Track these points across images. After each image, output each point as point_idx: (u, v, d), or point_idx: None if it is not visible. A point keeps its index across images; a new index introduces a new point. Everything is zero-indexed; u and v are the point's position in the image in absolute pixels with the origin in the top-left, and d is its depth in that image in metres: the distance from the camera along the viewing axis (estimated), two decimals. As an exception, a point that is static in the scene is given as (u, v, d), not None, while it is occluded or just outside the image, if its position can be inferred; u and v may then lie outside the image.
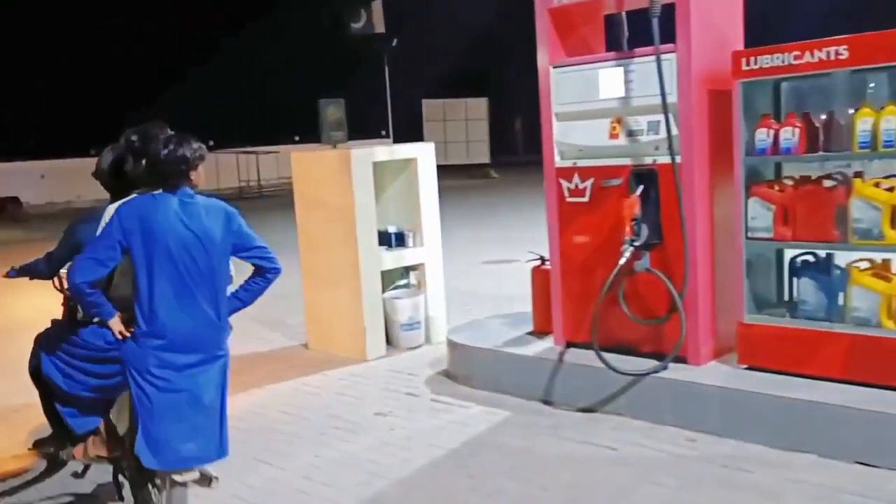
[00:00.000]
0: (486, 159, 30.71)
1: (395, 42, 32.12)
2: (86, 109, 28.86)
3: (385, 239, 6.16)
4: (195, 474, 3.22)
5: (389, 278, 6.28)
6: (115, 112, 29.06)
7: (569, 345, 4.91)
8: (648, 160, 4.44)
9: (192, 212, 3.22)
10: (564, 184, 4.80)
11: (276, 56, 32.48)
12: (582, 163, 4.72)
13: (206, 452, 3.22)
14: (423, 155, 6.26)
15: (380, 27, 32.42)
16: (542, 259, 5.34)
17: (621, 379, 4.40)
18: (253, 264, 3.45)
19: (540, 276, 5.30)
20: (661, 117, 4.35)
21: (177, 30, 31.37)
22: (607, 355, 4.45)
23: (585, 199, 4.72)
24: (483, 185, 23.83)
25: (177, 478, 3.20)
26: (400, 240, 6.26)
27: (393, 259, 6.16)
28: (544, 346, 5.00)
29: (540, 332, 5.28)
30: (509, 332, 5.41)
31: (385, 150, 6.11)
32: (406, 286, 6.36)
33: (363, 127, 31.27)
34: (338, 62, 32.12)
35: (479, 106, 37.44)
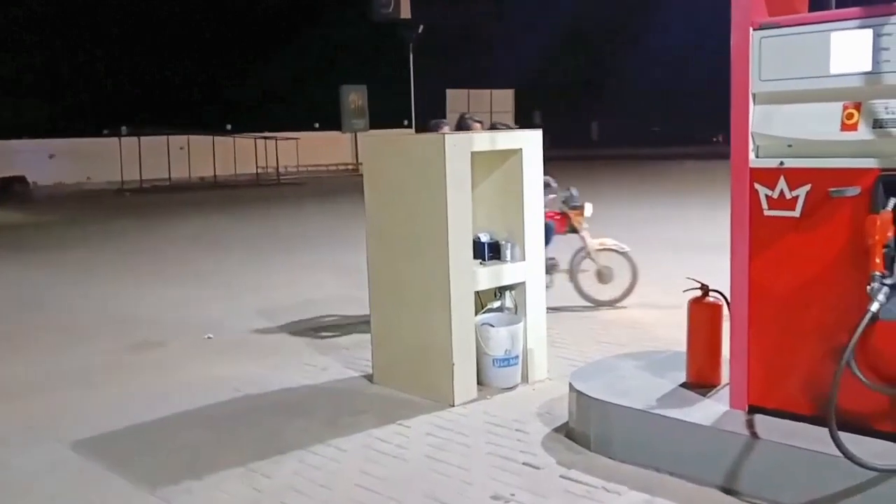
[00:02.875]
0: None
1: (420, 28, 30.92)
2: (101, 90, 27.68)
3: (476, 250, 4.85)
4: None
5: (478, 300, 4.98)
6: (129, 93, 27.98)
7: (753, 410, 3.60)
8: (910, 163, 3.12)
9: None
10: (763, 191, 3.48)
11: (298, 40, 31.21)
12: (793, 163, 3.40)
13: None
14: (530, 145, 4.94)
15: (406, 13, 31.17)
16: (705, 289, 4.03)
17: (856, 472, 3.09)
18: None
19: (703, 313, 4.00)
20: (931, 102, 3.05)
21: (189, 14, 30.05)
22: (816, 429, 3.18)
23: (796, 214, 3.41)
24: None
25: None
26: (494, 251, 4.95)
27: (489, 276, 4.84)
28: (717, 410, 3.68)
29: (697, 383, 3.99)
30: (654, 381, 4.11)
31: (485, 138, 4.79)
32: (500, 310, 5.05)
33: (384, 115, 30.11)
34: (362, 48, 30.85)
35: (505, 97, 36.18)
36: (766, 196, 3.48)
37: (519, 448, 4.02)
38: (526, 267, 4.97)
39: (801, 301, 3.43)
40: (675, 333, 6.01)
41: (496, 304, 5.04)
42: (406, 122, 29.96)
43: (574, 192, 6.94)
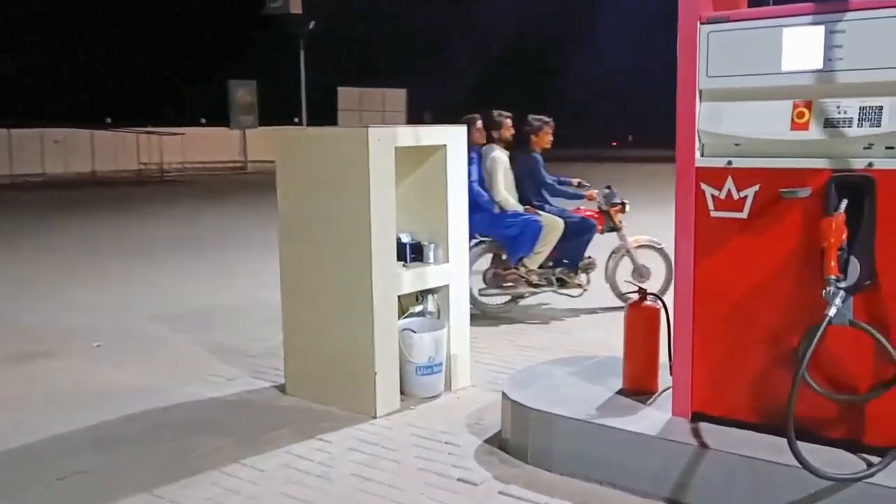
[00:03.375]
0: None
1: (312, 24, 30.24)
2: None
3: (398, 251, 4.57)
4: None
5: (399, 304, 4.71)
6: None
7: (696, 417, 3.48)
8: (859, 164, 3.05)
9: None
10: (710, 191, 3.36)
11: (186, 32, 30.03)
12: (742, 163, 3.29)
13: None
14: (455, 142, 4.71)
15: (296, 8, 30.41)
16: (643, 292, 3.89)
17: (808, 481, 2.99)
18: None
19: (641, 318, 3.86)
20: (882, 101, 2.98)
21: (69, 3, 28.50)
22: (763, 437, 3.11)
23: (743, 215, 3.30)
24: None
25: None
26: (416, 253, 4.69)
27: (413, 279, 4.58)
28: (660, 419, 3.54)
29: (635, 390, 3.85)
30: (590, 388, 3.95)
31: (409, 133, 4.51)
32: (422, 315, 4.79)
33: (274, 112, 29.30)
34: (252, 43, 29.96)
35: (397, 97, 35.88)
36: (713, 197, 3.36)
37: (451, 462, 3.77)
38: (450, 269, 4.74)
39: (748, 305, 3.32)
40: (596, 336, 5.94)
41: (418, 308, 4.78)
42: (297, 120, 29.24)
43: (614, 189, 6.82)
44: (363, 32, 36.76)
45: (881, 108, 2.99)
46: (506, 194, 6.56)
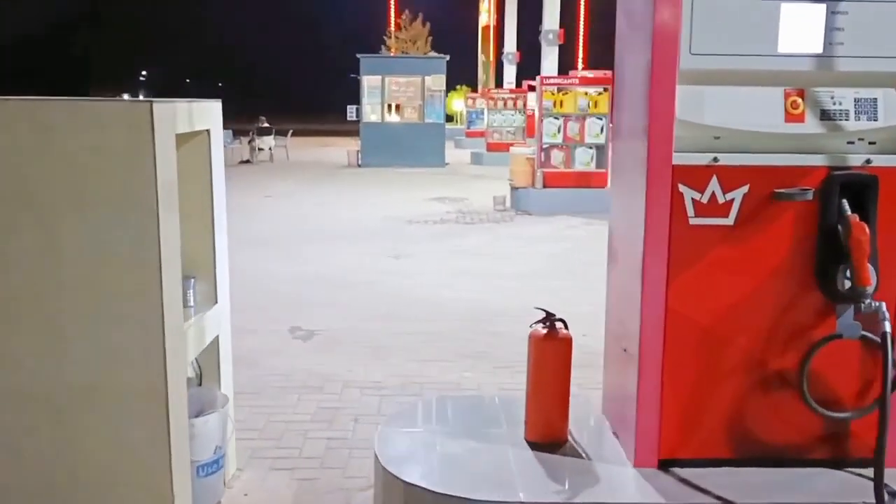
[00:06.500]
0: None
1: None
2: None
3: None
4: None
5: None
6: None
7: (665, 465, 2.91)
8: (856, 160, 2.77)
9: None
10: (689, 194, 2.76)
11: None
12: (729, 160, 2.76)
13: None
14: (216, 125, 3.21)
15: None
16: (551, 318, 3.11)
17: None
18: None
19: (553, 351, 3.09)
20: (878, 93, 2.75)
21: None
22: (747, 472, 2.77)
23: (729, 222, 2.79)
24: None
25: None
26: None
27: (196, 337, 3.00)
28: (624, 476, 2.87)
29: (548, 441, 3.10)
30: (492, 449, 3.05)
31: (185, 110, 2.87)
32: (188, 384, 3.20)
33: None
34: None
35: None
36: (693, 200, 2.77)
37: None
38: (219, 313, 3.25)
39: (728, 327, 2.84)
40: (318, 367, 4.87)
41: (177, 376, 3.18)
42: None
43: None
44: None
45: (875, 100, 2.76)
46: None
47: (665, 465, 2.91)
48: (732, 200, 2.78)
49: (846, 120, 2.76)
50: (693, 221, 2.78)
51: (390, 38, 48.26)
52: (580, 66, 38.16)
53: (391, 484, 2.85)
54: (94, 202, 2.53)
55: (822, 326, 2.82)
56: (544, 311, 3.10)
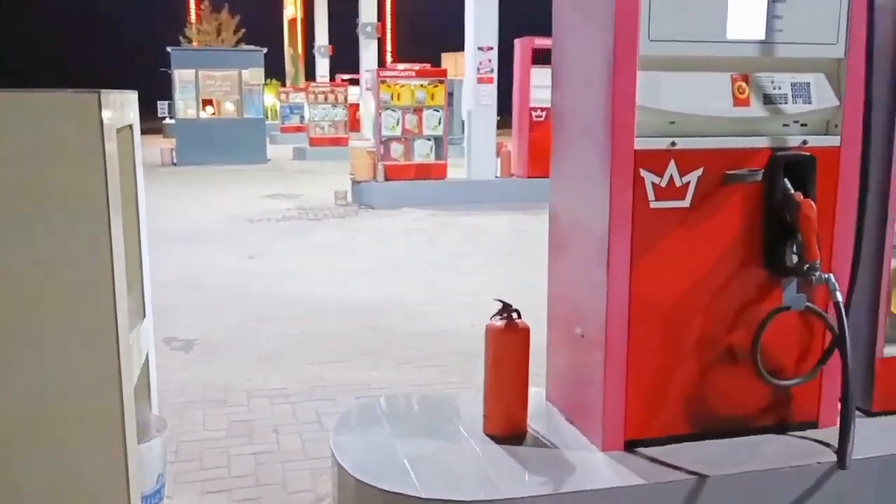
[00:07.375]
0: None
1: None
2: None
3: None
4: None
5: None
6: None
7: (631, 445, 2.96)
8: (794, 141, 2.93)
9: None
10: (650, 178, 2.81)
11: None
12: (685, 143, 2.83)
13: None
14: (136, 120, 2.90)
15: None
16: (508, 309, 3.07)
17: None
18: None
19: (512, 341, 3.05)
20: (811, 78, 2.93)
21: None
22: (708, 445, 2.90)
23: (685, 204, 2.86)
24: None
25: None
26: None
27: (136, 353, 2.70)
28: (593, 461, 2.89)
29: (508, 434, 3.08)
30: (454, 448, 2.98)
31: (119, 100, 2.54)
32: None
33: None
34: None
35: None
36: (653, 184, 2.83)
37: None
38: (148, 329, 2.95)
39: (687, 307, 2.92)
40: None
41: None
42: None
43: None
44: None
45: (808, 84, 2.93)
46: None
47: (630, 446, 2.96)
48: (689, 183, 2.86)
49: (785, 104, 2.91)
50: (654, 205, 2.84)
51: (191, 29, 46.32)
52: (389, 59, 38.43)
53: (367, 495, 2.71)
54: (37, 208, 2.20)
55: (769, 301, 2.97)
56: (501, 302, 3.06)
